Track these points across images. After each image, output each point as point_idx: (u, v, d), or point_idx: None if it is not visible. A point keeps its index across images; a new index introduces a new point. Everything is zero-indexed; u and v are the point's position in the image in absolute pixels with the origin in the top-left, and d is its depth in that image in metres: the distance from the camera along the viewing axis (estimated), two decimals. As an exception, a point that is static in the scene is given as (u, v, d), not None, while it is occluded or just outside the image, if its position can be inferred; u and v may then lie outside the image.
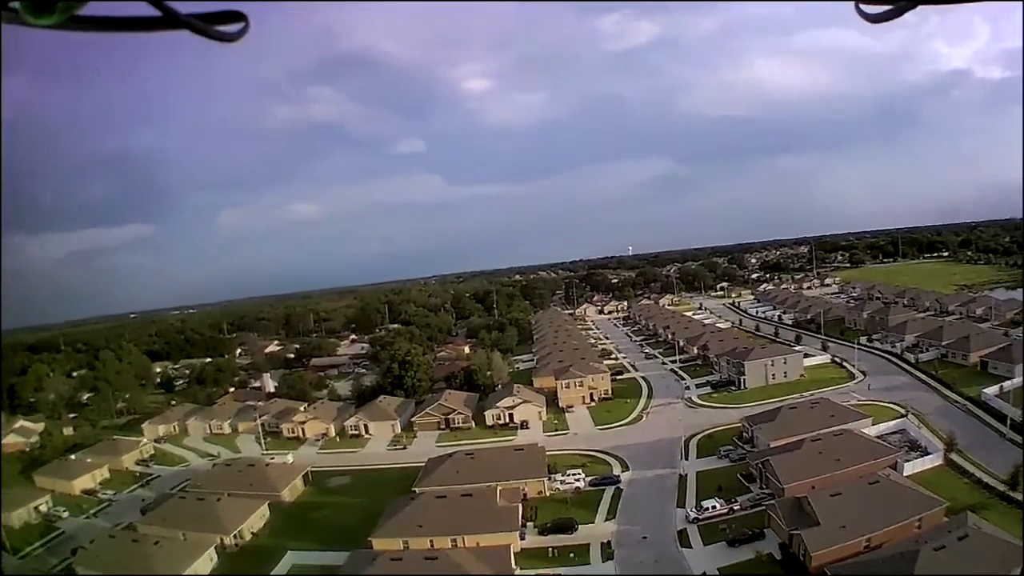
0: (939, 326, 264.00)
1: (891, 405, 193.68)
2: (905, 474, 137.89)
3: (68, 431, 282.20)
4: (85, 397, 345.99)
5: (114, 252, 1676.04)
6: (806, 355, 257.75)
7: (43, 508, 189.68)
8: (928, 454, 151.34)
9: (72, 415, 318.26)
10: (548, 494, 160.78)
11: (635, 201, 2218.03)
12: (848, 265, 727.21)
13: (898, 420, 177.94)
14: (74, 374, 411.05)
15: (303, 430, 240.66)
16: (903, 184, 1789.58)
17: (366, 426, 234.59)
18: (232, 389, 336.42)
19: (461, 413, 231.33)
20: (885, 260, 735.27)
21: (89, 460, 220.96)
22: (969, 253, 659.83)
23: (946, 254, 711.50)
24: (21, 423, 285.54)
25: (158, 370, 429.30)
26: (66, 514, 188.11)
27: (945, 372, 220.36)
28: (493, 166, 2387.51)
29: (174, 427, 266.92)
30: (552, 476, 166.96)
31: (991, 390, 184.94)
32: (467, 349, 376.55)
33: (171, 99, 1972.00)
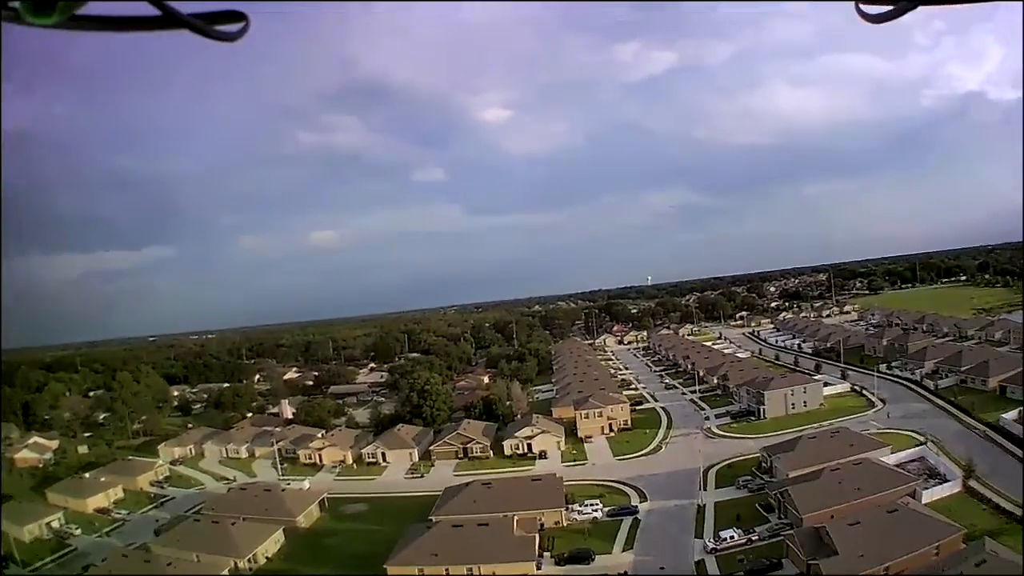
0: (958, 351, 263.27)
1: (910, 433, 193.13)
2: (924, 502, 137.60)
3: (83, 449, 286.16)
4: (101, 417, 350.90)
5: (134, 274, 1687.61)
6: (826, 384, 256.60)
7: (55, 524, 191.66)
8: (947, 481, 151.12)
9: (87, 434, 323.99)
10: (565, 524, 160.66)
11: (655, 230, 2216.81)
12: (867, 292, 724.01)
13: (917, 448, 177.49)
14: (91, 394, 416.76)
15: (320, 456, 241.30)
16: (921, 209, 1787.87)
17: (384, 454, 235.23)
18: (250, 414, 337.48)
19: (479, 443, 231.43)
20: (903, 286, 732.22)
21: (103, 479, 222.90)
22: (987, 277, 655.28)
23: (964, 278, 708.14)
24: (35, 439, 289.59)
25: (176, 393, 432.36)
26: (78, 531, 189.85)
27: (964, 398, 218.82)
28: (513, 195, 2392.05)
29: (190, 450, 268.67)
30: (570, 506, 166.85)
31: (1010, 415, 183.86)
32: (486, 379, 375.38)
33: (191, 124, 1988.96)
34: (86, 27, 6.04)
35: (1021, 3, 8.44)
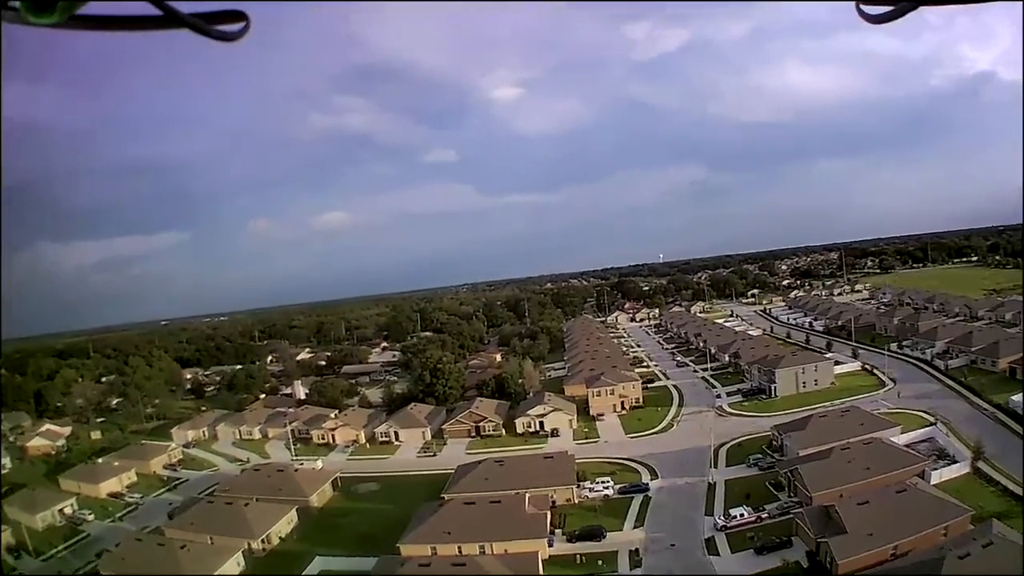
0: (968, 332, 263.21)
1: (920, 413, 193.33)
2: (932, 482, 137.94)
3: (96, 435, 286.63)
4: (114, 402, 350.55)
5: (146, 260, 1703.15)
6: (837, 362, 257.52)
7: (67, 511, 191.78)
8: (956, 462, 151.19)
9: (100, 419, 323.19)
10: (577, 501, 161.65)
11: (666, 208, 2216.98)
12: (878, 271, 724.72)
13: (927, 428, 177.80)
14: (103, 379, 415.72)
15: (333, 436, 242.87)
16: (932, 188, 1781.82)
17: (396, 433, 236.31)
18: (263, 396, 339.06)
19: (492, 421, 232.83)
20: (915, 265, 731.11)
21: (116, 464, 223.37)
22: (998, 257, 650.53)
23: (975, 259, 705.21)
24: (47, 427, 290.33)
25: (188, 376, 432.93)
26: (91, 517, 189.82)
27: (974, 379, 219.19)
28: (524, 174, 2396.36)
29: (203, 432, 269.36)
30: (581, 484, 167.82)
31: (1018, 397, 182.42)
32: (498, 357, 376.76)
33: (202, 108, 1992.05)
34: (86, 27, 6.27)
35: (1022, 2, 8.65)
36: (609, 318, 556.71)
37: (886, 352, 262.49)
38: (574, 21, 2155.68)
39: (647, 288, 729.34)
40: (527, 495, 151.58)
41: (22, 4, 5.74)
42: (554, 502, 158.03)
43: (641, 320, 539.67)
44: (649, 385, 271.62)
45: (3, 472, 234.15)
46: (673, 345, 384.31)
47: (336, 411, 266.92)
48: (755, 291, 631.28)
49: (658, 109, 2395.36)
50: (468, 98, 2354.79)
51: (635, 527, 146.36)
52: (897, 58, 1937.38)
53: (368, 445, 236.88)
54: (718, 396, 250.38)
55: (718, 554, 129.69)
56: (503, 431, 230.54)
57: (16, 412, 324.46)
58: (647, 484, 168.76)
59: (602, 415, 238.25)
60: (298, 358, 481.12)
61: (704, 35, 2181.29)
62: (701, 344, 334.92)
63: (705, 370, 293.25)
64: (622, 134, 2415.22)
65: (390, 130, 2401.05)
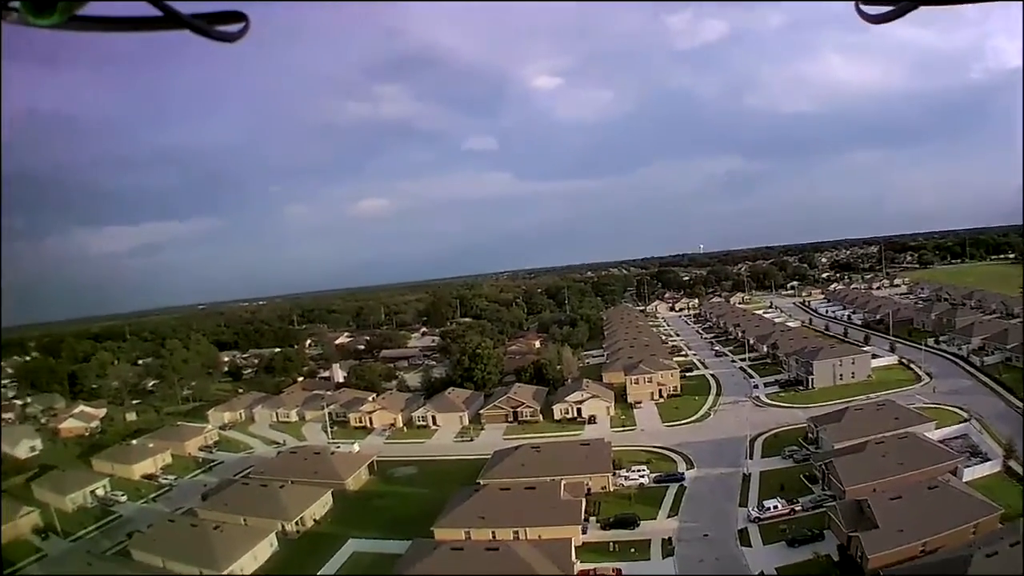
0: (1004, 329, 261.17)
1: (954, 409, 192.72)
2: (964, 479, 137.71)
3: (131, 417, 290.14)
4: (150, 384, 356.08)
5: (183, 244, 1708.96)
6: (874, 356, 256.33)
7: (100, 492, 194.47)
8: (988, 460, 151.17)
9: (136, 401, 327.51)
10: (612, 489, 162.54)
11: (706, 198, 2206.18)
12: (917, 266, 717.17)
13: (961, 425, 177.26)
14: (140, 362, 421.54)
15: (371, 420, 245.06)
16: (972, 183, 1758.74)
17: (434, 417, 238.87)
18: (301, 379, 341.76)
19: (529, 407, 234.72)
20: (953, 261, 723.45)
21: (151, 445, 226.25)
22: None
23: (1012, 256, 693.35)
24: (82, 408, 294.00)
25: (226, 359, 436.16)
26: (124, 498, 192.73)
27: (1009, 376, 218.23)
28: (563, 162, 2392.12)
29: (240, 415, 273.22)
30: (617, 472, 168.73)
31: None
32: (537, 343, 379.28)
33: (243, 94, 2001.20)
34: (87, 27, 6.35)
35: (1022, 2, 8.73)
36: (649, 307, 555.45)
37: (923, 347, 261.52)
38: (614, 10, 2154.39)
39: (687, 278, 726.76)
40: (563, 482, 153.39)
41: (23, 5, 5.92)
42: (589, 489, 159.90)
43: (680, 310, 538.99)
44: (687, 374, 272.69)
45: (34, 454, 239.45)
46: (712, 335, 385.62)
47: (374, 395, 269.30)
48: (794, 283, 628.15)
49: (697, 99, 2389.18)
50: (506, 86, 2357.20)
51: (669, 516, 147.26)
52: (935, 51, 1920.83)
53: (405, 429, 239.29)
54: (755, 386, 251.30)
55: (751, 545, 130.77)
56: (540, 417, 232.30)
57: (49, 394, 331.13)
58: (682, 473, 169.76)
59: (640, 403, 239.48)
60: (337, 342, 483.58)
61: (743, 26, 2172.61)
62: (740, 334, 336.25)
63: (743, 360, 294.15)
64: (661, 123, 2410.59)
65: (428, 117, 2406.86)
